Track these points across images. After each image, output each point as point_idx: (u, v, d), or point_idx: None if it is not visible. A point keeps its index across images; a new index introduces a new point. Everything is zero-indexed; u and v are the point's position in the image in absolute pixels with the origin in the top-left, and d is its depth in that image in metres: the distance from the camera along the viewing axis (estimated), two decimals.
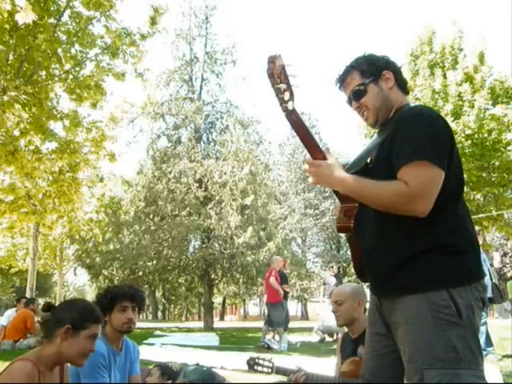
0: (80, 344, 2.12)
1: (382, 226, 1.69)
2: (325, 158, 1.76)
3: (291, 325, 10.67)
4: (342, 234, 2.01)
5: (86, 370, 2.52)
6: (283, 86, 1.61)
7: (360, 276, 1.96)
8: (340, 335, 3.60)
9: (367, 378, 1.84)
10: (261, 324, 10.91)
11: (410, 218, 1.60)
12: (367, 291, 2.30)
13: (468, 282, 1.59)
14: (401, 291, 1.64)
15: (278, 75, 1.61)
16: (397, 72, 1.86)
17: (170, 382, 3.25)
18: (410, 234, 1.63)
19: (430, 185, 1.57)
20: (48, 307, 2.24)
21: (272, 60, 1.59)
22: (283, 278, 9.16)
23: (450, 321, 1.53)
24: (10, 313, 9.40)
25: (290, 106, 1.66)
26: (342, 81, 1.89)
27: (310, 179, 1.79)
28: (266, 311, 9.75)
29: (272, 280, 8.81)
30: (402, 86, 1.87)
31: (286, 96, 1.63)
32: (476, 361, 1.54)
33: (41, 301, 9.12)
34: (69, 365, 2.38)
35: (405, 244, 1.64)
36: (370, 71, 1.82)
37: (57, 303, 2.39)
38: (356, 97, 1.85)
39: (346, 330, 3.12)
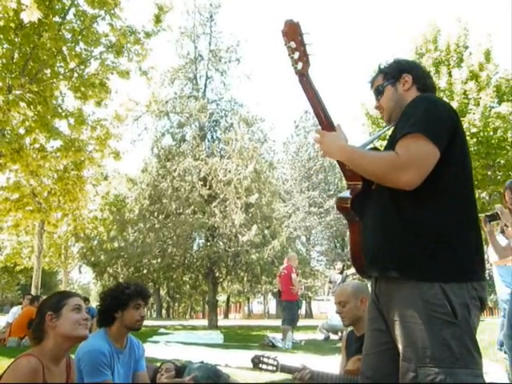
0: (68, 319, 2.18)
1: (383, 208, 1.73)
2: (334, 130, 1.85)
3: None
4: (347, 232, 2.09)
5: (87, 369, 2.54)
6: (293, 45, 1.76)
7: (358, 269, 1.97)
8: (345, 333, 3.59)
9: (368, 375, 1.82)
10: (265, 322, 10.93)
11: (406, 200, 1.63)
12: None
13: (462, 280, 1.58)
14: (395, 274, 1.64)
15: (292, 37, 1.76)
16: (418, 77, 1.92)
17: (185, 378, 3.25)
18: (406, 218, 1.65)
19: (419, 157, 1.59)
20: (31, 321, 2.32)
21: (288, 23, 1.76)
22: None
23: (444, 320, 1.53)
24: (16, 310, 9.45)
25: (299, 66, 1.79)
26: (372, 83, 2.04)
27: (319, 149, 1.88)
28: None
29: (294, 276, 9.03)
30: (424, 89, 1.91)
31: (296, 55, 1.77)
32: (473, 360, 1.53)
33: None
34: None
35: (399, 227, 1.66)
36: (391, 74, 1.95)
37: None
38: (375, 96, 1.99)
39: (350, 328, 3.11)
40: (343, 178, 2.03)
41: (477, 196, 16.72)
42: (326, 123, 1.86)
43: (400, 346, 1.62)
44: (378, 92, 1.96)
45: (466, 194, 1.71)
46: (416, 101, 1.74)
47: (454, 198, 1.66)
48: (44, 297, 3.39)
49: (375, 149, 2.00)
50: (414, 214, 1.64)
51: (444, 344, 1.51)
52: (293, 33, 1.76)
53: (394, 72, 1.94)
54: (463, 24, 17.18)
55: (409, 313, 1.58)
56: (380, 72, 1.99)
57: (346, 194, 1.96)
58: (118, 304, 2.75)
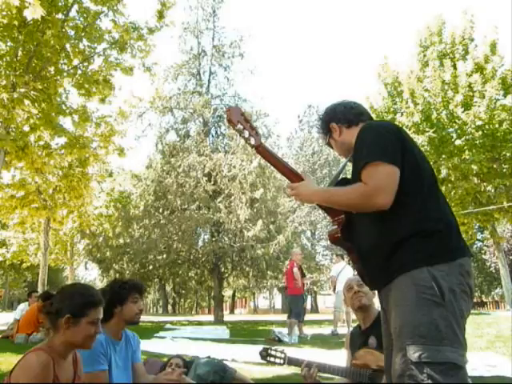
0: (83, 331, 2.12)
1: (366, 228, 1.92)
2: (302, 179, 2.09)
3: None
4: None
5: (85, 360, 2.55)
6: (240, 127, 2.02)
7: (368, 285, 2.14)
8: (349, 331, 3.59)
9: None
10: (271, 317, 10.98)
11: (382, 215, 1.79)
12: None
13: (445, 260, 1.71)
14: (391, 277, 1.79)
15: (236, 120, 2.02)
16: (340, 119, 2.17)
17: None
18: (386, 229, 1.82)
19: (384, 180, 1.76)
20: (47, 296, 2.21)
21: (228, 109, 2.05)
22: (302, 271, 9.67)
23: (433, 301, 1.65)
24: (23, 307, 9.49)
25: (252, 141, 2.05)
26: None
27: (297, 200, 2.11)
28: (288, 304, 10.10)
29: (295, 271, 9.29)
30: (351, 124, 2.15)
31: (246, 134, 2.03)
32: (458, 340, 1.63)
33: None
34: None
35: (383, 238, 1.83)
36: (323, 131, 2.25)
37: None
38: (331, 148, 2.31)
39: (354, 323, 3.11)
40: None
41: (482, 189, 16.62)
42: (293, 178, 2.10)
43: (393, 329, 1.74)
44: (330, 146, 2.28)
45: (429, 188, 1.86)
46: (362, 133, 1.93)
47: (417, 196, 1.81)
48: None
49: (347, 180, 2.14)
50: (391, 222, 1.80)
51: (432, 323, 1.62)
52: (236, 116, 2.02)
53: (324, 129, 2.24)
54: (469, 16, 17.03)
55: (402, 297, 1.72)
56: (320, 133, 2.30)
57: (335, 227, 2.16)
58: (119, 298, 2.81)
